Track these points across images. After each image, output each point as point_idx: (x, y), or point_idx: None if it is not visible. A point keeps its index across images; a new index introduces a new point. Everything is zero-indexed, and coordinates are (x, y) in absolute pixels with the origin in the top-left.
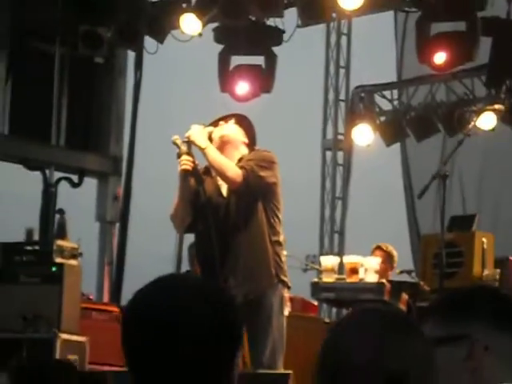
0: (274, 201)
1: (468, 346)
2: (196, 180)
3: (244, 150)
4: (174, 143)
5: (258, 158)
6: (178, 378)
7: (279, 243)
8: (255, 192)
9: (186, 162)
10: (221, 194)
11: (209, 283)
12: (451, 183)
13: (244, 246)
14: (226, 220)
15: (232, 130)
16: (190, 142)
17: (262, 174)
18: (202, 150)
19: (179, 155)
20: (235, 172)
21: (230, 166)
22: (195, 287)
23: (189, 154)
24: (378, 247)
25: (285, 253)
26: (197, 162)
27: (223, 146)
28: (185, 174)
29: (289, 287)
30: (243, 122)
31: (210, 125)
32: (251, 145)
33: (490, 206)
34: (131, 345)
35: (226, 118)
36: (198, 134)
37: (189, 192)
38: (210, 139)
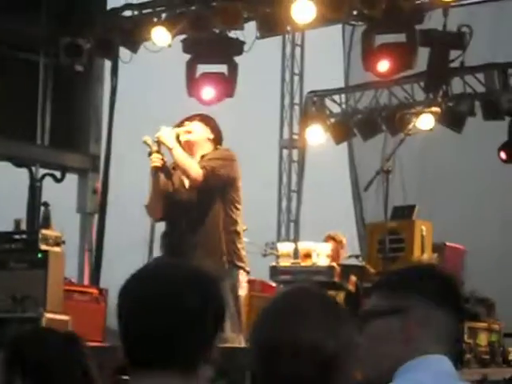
0: (234, 194)
1: (403, 319)
2: (166, 175)
3: (209, 147)
4: (145, 143)
5: (218, 157)
6: (165, 353)
7: (237, 232)
8: (214, 188)
9: (156, 160)
10: (185, 188)
11: (201, 270)
12: (393, 177)
13: (200, 236)
14: (188, 212)
15: (196, 131)
16: (159, 142)
17: (222, 172)
18: (169, 149)
19: (150, 154)
20: (197, 172)
21: (193, 166)
22: (187, 273)
23: (159, 152)
24: (330, 236)
25: (246, 240)
26: (165, 159)
27: (190, 148)
28: (155, 170)
29: (247, 271)
30: (206, 120)
31: (177, 126)
32: (217, 139)
33: (428, 197)
34: (124, 323)
35: (190, 118)
36: (166, 134)
37: (159, 186)
38: (178, 139)
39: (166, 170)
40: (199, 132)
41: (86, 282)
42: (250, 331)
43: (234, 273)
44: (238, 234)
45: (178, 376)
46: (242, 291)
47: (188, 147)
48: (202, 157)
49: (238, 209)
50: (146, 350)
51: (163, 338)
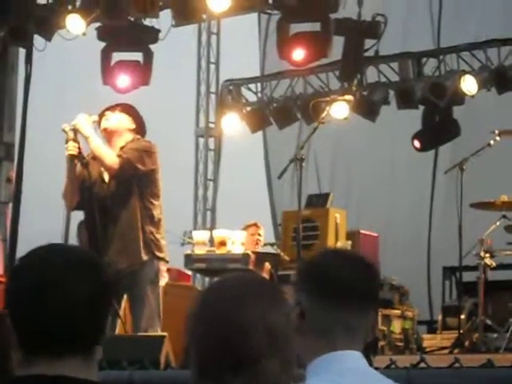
0: (152, 186)
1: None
2: (81, 164)
3: (129, 137)
4: (63, 131)
5: (136, 148)
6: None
7: (155, 224)
8: (130, 179)
9: (71, 148)
10: (103, 179)
11: (88, 254)
12: (308, 165)
13: (118, 228)
14: (106, 204)
15: (116, 120)
16: (75, 130)
17: (137, 164)
18: (85, 138)
19: (66, 141)
20: (112, 160)
21: (109, 154)
22: (74, 256)
23: (75, 140)
24: (248, 225)
25: (164, 229)
26: (82, 148)
27: (109, 136)
28: (71, 158)
29: (166, 261)
30: (129, 110)
31: (99, 115)
32: (139, 130)
33: (343, 185)
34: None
35: (112, 108)
36: (83, 122)
37: (75, 175)
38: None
39: (82, 159)
40: (119, 122)
41: (1, 271)
42: (193, 315)
43: (154, 264)
44: (156, 225)
45: (79, 362)
46: (162, 281)
47: (107, 137)
48: (122, 148)
49: (156, 200)
50: (42, 340)
51: (56, 328)
